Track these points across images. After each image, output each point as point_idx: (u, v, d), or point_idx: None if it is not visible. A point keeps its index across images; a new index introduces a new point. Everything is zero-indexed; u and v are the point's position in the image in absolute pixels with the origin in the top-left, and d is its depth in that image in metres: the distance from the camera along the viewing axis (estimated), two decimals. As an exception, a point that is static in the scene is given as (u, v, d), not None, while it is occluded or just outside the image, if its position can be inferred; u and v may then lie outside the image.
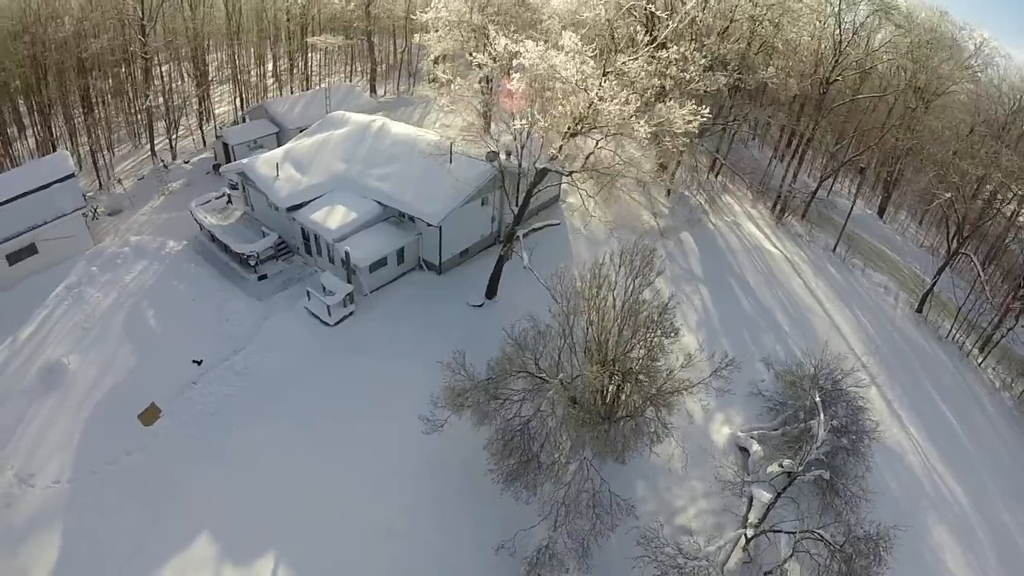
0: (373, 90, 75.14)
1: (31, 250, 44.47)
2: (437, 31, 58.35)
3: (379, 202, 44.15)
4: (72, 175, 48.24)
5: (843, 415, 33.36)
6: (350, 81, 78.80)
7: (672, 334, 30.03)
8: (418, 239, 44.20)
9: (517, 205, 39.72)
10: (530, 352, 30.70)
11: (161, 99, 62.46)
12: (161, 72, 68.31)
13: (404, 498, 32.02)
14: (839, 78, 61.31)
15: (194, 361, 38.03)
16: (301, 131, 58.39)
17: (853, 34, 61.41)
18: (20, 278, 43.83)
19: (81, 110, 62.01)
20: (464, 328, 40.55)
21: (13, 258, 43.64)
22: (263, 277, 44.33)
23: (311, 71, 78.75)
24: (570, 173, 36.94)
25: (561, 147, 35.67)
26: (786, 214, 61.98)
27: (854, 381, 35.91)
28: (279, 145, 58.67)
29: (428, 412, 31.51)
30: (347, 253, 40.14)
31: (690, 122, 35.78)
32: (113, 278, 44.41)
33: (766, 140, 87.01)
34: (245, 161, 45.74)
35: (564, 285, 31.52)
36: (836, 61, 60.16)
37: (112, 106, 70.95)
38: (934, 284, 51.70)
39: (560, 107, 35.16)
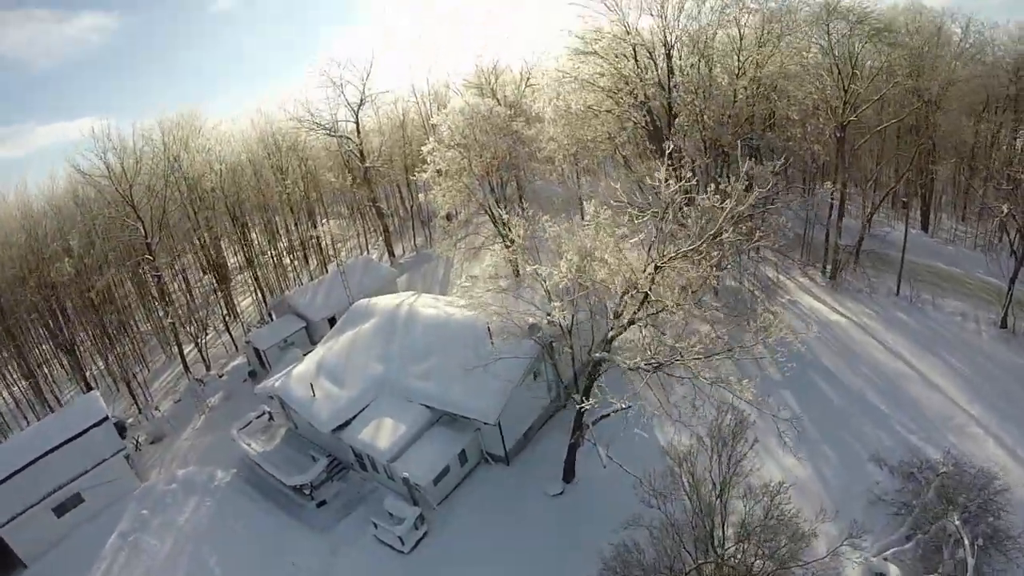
0: (391, 253, 73.17)
1: (77, 499, 42.03)
2: (440, 186, 56.74)
3: (427, 405, 40.88)
4: (106, 418, 45.96)
5: (978, 513, 28.85)
6: (366, 249, 77.03)
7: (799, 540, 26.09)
8: (477, 435, 40.48)
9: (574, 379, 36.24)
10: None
11: (185, 304, 60.71)
12: (183, 272, 67.11)
13: None
14: (853, 118, 57.55)
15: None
16: (329, 321, 56.41)
17: (853, 70, 58.03)
18: (69, 530, 41.31)
19: (104, 341, 60.40)
20: (550, 523, 36.54)
21: (60, 510, 41.42)
22: (322, 503, 40.69)
23: (325, 247, 77.29)
24: (655, 370, 31.46)
25: (612, 339, 32.58)
26: (840, 271, 57.63)
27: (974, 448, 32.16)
28: (309, 339, 56.49)
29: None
30: (406, 478, 36.78)
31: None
32: (166, 520, 41.29)
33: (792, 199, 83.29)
34: (278, 384, 42.96)
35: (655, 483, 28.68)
36: (846, 103, 56.55)
37: (136, 318, 69.73)
38: (1010, 297, 46.59)
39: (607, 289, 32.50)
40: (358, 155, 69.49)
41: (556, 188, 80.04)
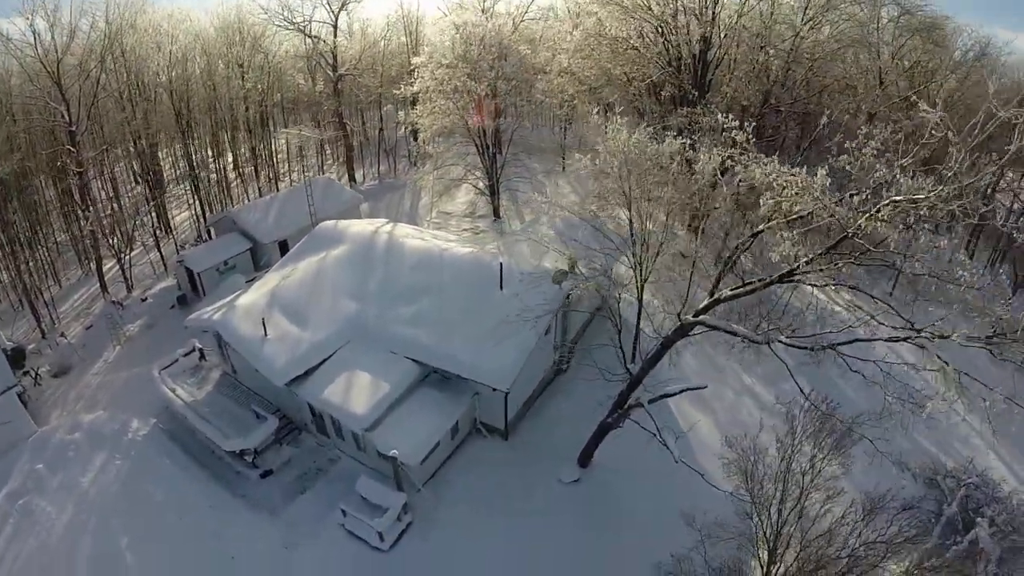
0: (352, 178, 60.77)
1: None
2: (430, 103, 45.41)
3: (415, 360, 29.80)
4: None
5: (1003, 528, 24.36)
6: (322, 170, 64.21)
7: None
8: (474, 401, 29.71)
9: (626, 357, 25.81)
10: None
11: (109, 211, 47.51)
12: (111, 177, 53.56)
13: None
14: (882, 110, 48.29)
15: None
16: (280, 246, 44.55)
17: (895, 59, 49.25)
18: None
19: (6, 241, 46.99)
20: (565, 518, 26.85)
21: None
22: (267, 473, 29.42)
23: (278, 163, 64.11)
24: (764, 342, 20.21)
25: (715, 291, 22.12)
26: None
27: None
28: (255, 265, 44.30)
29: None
30: (394, 457, 25.78)
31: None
32: (66, 480, 29.96)
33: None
34: (216, 317, 30.86)
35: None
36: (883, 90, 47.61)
37: (50, 224, 55.91)
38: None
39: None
40: (331, 61, 56.81)
41: (545, 133, 69.52)
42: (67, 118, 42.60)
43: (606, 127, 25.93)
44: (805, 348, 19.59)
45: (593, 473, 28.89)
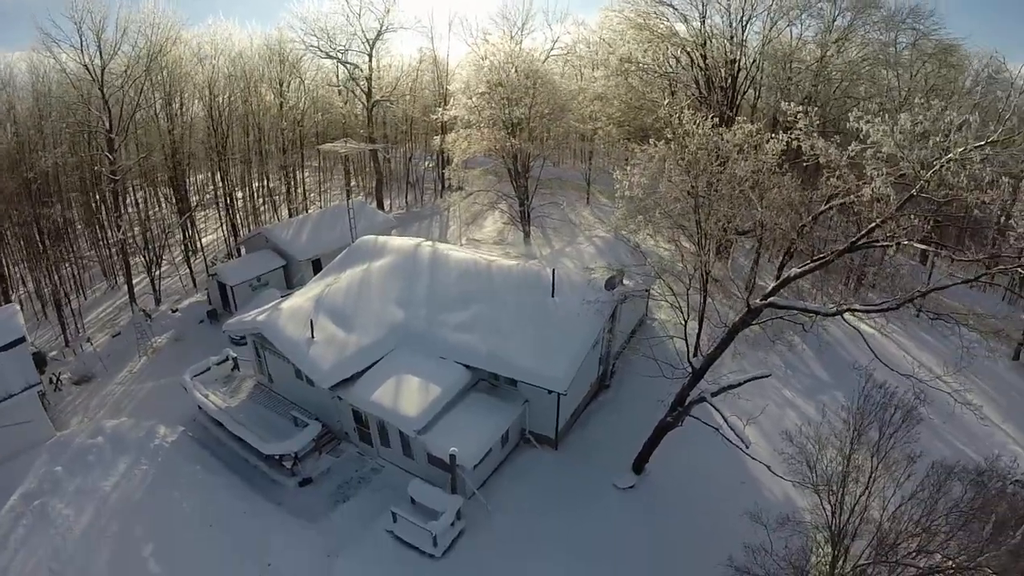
0: (380, 206, 60.30)
1: None
2: (467, 128, 45.11)
3: (465, 365, 28.53)
4: (23, 339, 32.11)
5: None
6: (349, 198, 63.70)
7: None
8: (525, 408, 28.42)
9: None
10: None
11: (137, 229, 46.43)
12: (135, 199, 52.68)
13: None
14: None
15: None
16: (314, 262, 43.47)
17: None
18: None
19: (39, 245, 45.73)
20: (624, 524, 25.45)
21: None
22: (306, 481, 27.90)
23: (308, 190, 63.48)
24: (836, 313, 20.46)
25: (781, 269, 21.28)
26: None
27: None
28: (287, 282, 43.22)
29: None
30: (453, 455, 24.42)
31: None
32: (85, 485, 27.98)
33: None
34: (261, 318, 29.67)
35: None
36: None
37: (84, 237, 54.81)
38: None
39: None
40: (366, 90, 56.54)
41: (569, 173, 69.41)
42: (108, 124, 41.82)
43: (679, 119, 25.68)
44: (881, 310, 19.97)
45: (648, 479, 27.58)
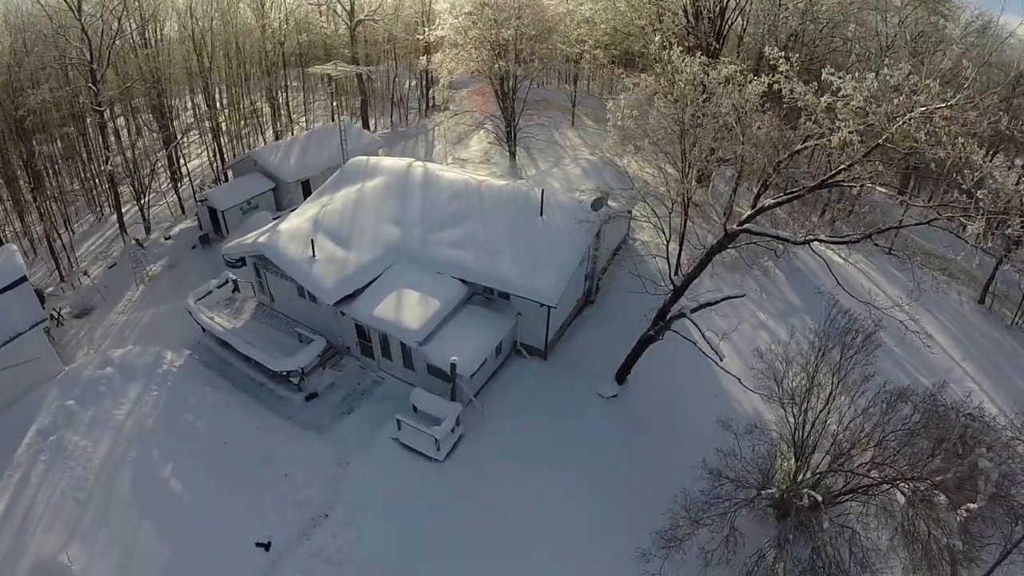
0: (365, 125, 59.92)
1: None
2: (454, 48, 44.75)
3: (461, 280, 29.63)
4: (23, 278, 31.87)
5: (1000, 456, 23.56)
6: (333, 118, 63.19)
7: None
8: (517, 321, 29.75)
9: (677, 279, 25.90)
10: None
11: (120, 159, 46.09)
12: (117, 128, 52.10)
13: None
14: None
15: (258, 544, 23.28)
16: (303, 184, 43.72)
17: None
18: None
19: (28, 182, 45.51)
20: (608, 429, 27.36)
21: None
22: (312, 396, 29.29)
23: (291, 110, 62.81)
24: (804, 242, 22.17)
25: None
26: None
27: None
28: (277, 204, 43.58)
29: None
30: (453, 365, 25.51)
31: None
32: (99, 415, 28.24)
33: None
34: (262, 240, 30.31)
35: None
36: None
37: (64, 173, 54.32)
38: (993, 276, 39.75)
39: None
40: (348, 8, 55.37)
41: (554, 94, 68.81)
42: (88, 56, 41.10)
43: (668, 56, 26.95)
44: (845, 243, 21.61)
45: (630, 389, 29.30)
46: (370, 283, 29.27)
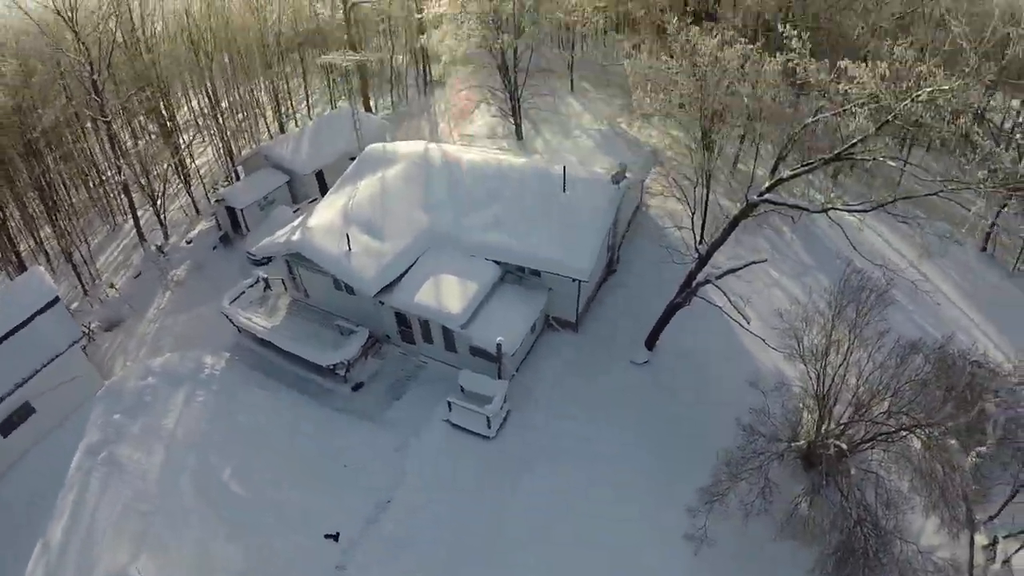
0: (367, 108, 59.84)
1: (26, 410, 29.03)
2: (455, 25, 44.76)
3: (495, 261, 30.38)
4: (57, 299, 32.07)
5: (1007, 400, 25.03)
6: (332, 106, 62.91)
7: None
8: (549, 296, 30.59)
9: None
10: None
11: (128, 168, 46.13)
12: (123, 135, 52.08)
13: None
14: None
15: (327, 536, 24.44)
16: (317, 175, 44.03)
17: None
18: (20, 453, 28.64)
19: (40, 202, 45.71)
20: (646, 392, 28.78)
21: (5, 428, 28.30)
22: (359, 386, 30.27)
23: (295, 101, 62.66)
24: (823, 210, 23.45)
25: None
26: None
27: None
28: (293, 197, 43.97)
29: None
30: (499, 345, 26.45)
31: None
32: (148, 426, 29.19)
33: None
34: (296, 238, 30.80)
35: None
36: None
37: (73, 187, 54.44)
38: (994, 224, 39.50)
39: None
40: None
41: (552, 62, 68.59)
42: (89, 67, 41.04)
43: (686, 34, 27.60)
44: (861, 210, 23.21)
45: (660, 355, 30.45)
46: (407, 271, 29.91)
